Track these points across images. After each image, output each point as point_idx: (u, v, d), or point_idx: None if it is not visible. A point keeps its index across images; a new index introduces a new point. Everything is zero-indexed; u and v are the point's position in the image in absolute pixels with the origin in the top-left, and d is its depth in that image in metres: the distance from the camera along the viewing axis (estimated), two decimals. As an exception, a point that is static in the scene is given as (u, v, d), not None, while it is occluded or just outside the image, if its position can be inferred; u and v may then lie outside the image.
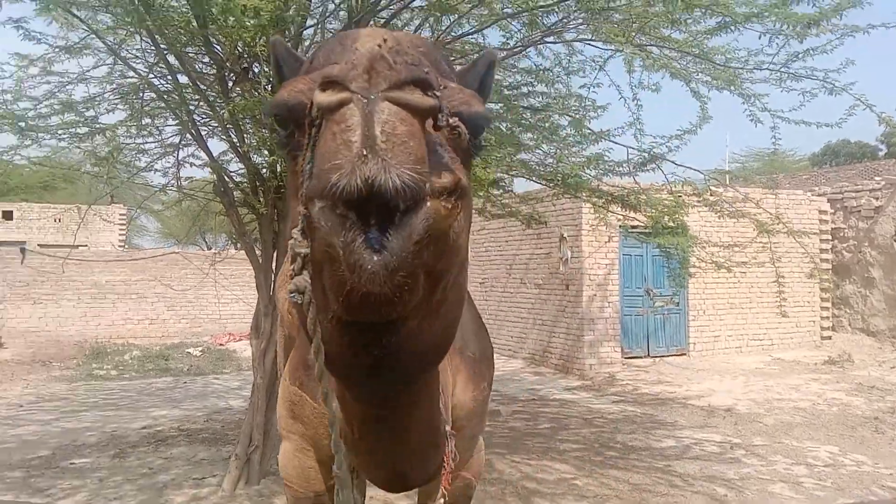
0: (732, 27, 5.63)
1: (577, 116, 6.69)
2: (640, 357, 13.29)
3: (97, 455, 7.26)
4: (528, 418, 9.12)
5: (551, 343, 13.54)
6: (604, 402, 10.13)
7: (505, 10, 6.63)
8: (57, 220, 24.61)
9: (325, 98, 0.95)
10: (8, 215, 24.88)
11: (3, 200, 25.21)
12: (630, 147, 6.92)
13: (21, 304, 17.18)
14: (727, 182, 10.63)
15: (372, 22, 6.47)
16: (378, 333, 1.10)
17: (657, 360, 13.33)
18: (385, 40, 1.01)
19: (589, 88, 6.70)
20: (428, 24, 7.33)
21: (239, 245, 8.35)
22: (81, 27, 5.64)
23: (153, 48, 5.36)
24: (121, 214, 24.41)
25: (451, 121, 1.06)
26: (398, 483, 1.73)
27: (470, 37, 7.53)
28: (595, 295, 12.76)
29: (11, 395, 11.35)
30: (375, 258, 0.94)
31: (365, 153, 0.90)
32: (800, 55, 5.36)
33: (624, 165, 6.87)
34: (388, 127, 0.92)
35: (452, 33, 7.40)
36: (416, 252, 0.97)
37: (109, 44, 5.80)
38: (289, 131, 1.14)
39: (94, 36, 5.68)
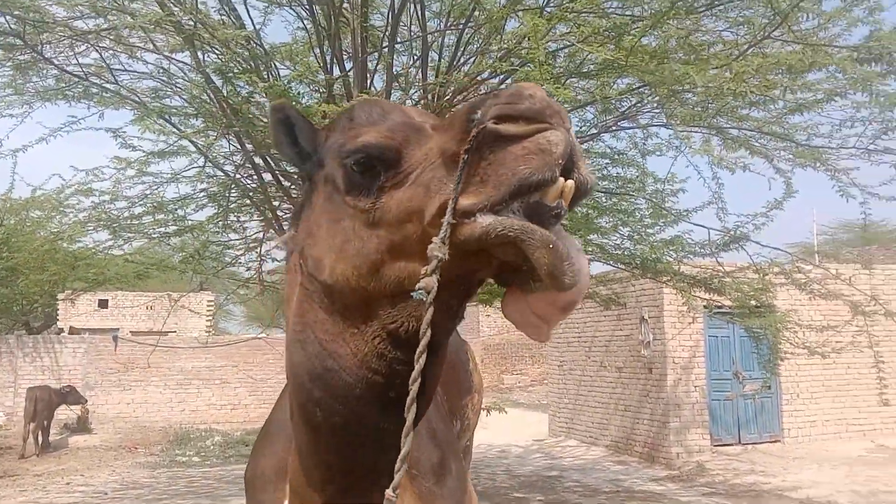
0: (814, 107, 5.55)
1: (656, 200, 6.61)
2: (731, 444, 12.60)
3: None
4: (613, 512, 8.71)
5: (635, 430, 13.02)
6: (693, 495, 9.61)
7: (578, 98, 6.72)
8: (148, 308, 25.63)
9: (514, 128, 1.14)
10: (103, 304, 26.10)
11: (100, 290, 26.51)
12: (711, 228, 6.79)
13: (111, 389, 17.79)
14: (816, 260, 10.23)
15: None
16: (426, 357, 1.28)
17: (749, 447, 12.62)
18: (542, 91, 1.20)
19: (664, 183, 6.64)
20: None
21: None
22: (174, 132, 6.02)
23: (240, 149, 5.66)
24: (209, 301, 25.25)
25: None
26: None
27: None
28: (680, 379, 12.28)
29: (98, 481, 11.65)
30: (582, 263, 1.13)
31: (561, 161, 1.11)
32: (888, 130, 5.20)
33: (706, 247, 6.72)
34: (579, 150, 1.17)
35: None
36: None
37: (200, 146, 6.15)
38: (371, 173, 1.32)
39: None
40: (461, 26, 5.88)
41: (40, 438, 14.36)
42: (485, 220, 1.13)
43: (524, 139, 1.13)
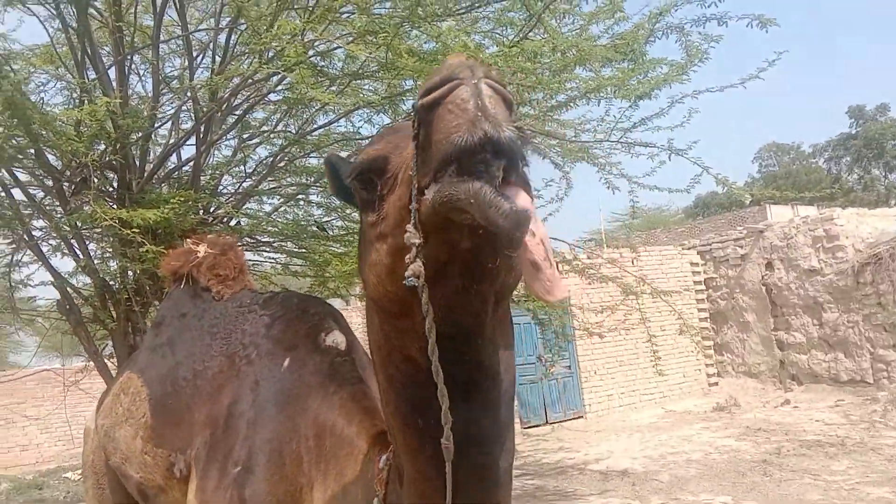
0: (575, 104, 5.90)
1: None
2: (539, 425, 13.27)
3: None
4: None
5: (451, 421, 13.32)
6: (506, 478, 9.96)
7: (368, 98, 6.67)
8: (-87, 346, 22.54)
9: (430, 96, 1.15)
10: None
11: None
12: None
13: None
14: (603, 242, 11.00)
15: (228, 118, 6.37)
16: (466, 342, 1.37)
17: (556, 426, 13.36)
18: (467, 57, 1.21)
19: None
20: (290, 116, 7.30)
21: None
22: None
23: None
24: (-14, 333, 22.61)
25: (517, 123, 1.23)
26: None
27: (335, 125, 7.56)
28: (489, 367, 12.71)
29: None
30: (512, 203, 1.10)
31: (480, 115, 1.10)
32: (636, 124, 5.63)
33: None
34: (493, 99, 1.14)
35: (315, 123, 7.40)
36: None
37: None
38: (371, 186, 1.40)
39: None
40: (230, 27, 5.63)
41: None
42: (430, 194, 1.17)
43: (443, 102, 1.14)
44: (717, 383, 15.67)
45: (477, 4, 5.07)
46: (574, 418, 13.70)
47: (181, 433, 2.47)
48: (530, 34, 5.06)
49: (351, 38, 4.93)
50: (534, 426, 13.18)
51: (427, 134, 1.18)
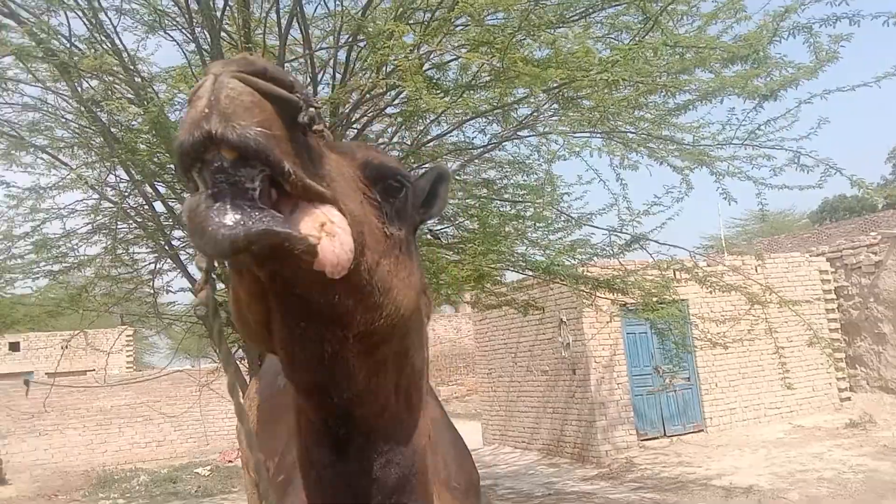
0: (694, 106, 5.73)
1: (560, 208, 6.70)
2: (657, 438, 12.87)
3: None
4: (543, 516, 8.76)
5: (564, 431, 13.17)
6: (622, 492, 9.76)
7: (480, 108, 6.76)
8: (64, 348, 24.50)
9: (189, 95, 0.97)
10: (14, 347, 24.76)
11: (10, 332, 25.13)
12: (613, 230, 6.93)
13: (25, 436, 16.95)
14: (724, 248, 10.60)
15: (349, 132, 6.62)
16: (329, 391, 1.20)
17: (674, 439, 12.92)
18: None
19: (569, 187, 6.75)
20: (405, 128, 7.50)
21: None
22: (62, 166, 5.79)
23: (128, 179, 5.48)
24: (127, 336, 24.28)
25: (315, 120, 1.00)
26: None
27: (448, 135, 7.69)
28: (603, 378, 12.49)
29: (14, 535, 11.04)
30: (221, 221, 0.89)
31: (207, 111, 0.89)
32: (761, 126, 5.41)
33: (607, 248, 6.86)
34: (233, 93, 0.91)
35: (429, 135, 7.56)
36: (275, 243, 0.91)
37: (88, 178, 5.92)
38: None
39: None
40: (350, 44, 5.85)
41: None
42: None
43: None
44: (849, 398, 14.68)
45: (591, 11, 5.00)
46: (694, 432, 13.20)
47: (271, 439, 2.57)
48: (646, 38, 4.97)
49: (465, 49, 5.02)
50: (651, 439, 12.80)
51: None
